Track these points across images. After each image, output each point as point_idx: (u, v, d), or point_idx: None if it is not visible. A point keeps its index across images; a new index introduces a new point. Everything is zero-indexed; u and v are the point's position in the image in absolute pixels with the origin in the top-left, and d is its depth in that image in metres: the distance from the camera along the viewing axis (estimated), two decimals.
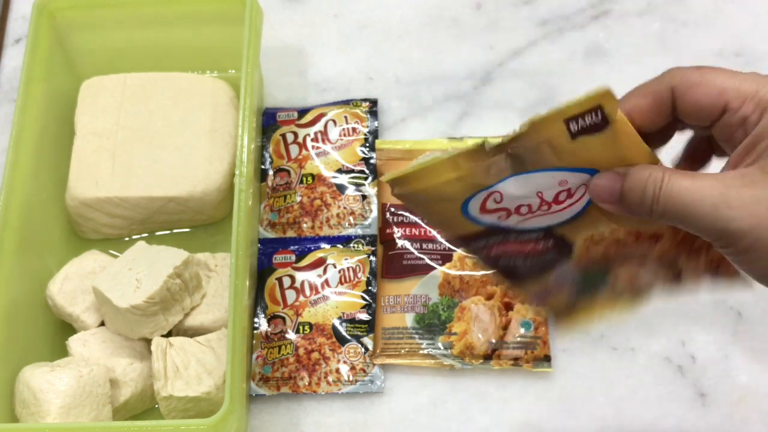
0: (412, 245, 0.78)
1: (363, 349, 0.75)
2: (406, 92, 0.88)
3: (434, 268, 0.76)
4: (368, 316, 0.76)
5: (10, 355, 0.70)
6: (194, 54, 0.85)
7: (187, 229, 0.82)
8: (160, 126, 0.80)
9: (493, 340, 0.72)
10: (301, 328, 0.75)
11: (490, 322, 0.72)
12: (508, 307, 0.74)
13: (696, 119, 0.45)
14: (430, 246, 0.77)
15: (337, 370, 0.74)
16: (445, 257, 0.77)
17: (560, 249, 0.50)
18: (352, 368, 0.74)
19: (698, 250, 0.50)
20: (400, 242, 0.78)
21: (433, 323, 0.74)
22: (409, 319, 0.75)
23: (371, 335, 0.75)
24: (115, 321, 0.71)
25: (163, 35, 0.83)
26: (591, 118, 0.43)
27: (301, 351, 0.74)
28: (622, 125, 0.44)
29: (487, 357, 0.72)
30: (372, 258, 0.78)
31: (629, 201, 0.44)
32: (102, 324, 0.74)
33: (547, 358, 0.73)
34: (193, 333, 0.73)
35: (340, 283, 0.77)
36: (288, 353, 0.74)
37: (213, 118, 0.80)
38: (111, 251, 0.79)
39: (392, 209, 0.79)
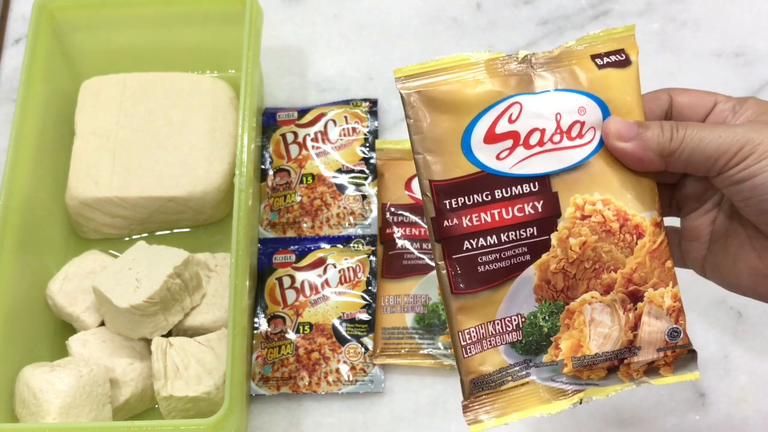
0: (412, 245, 0.78)
1: (363, 349, 0.75)
2: None
3: (434, 268, 0.76)
4: (368, 316, 0.76)
5: (10, 355, 0.70)
6: (194, 54, 0.85)
7: (187, 229, 0.82)
8: (160, 126, 0.80)
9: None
10: (301, 328, 0.75)
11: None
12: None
13: (690, 111, 0.51)
14: (431, 246, 0.77)
15: (337, 370, 0.74)
16: None
17: (544, 222, 0.48)
18: (352, 368, 0.74)
19: (666, 279, 0.49)
20: (400, 242, 0.78)
21: (433, 323, 0.74)
22: (409, 319, 0.75)
23: (371, 335, 0.75)
24: (115, 321, 0.71)
25: (162, 35, 0.84)
26: (615, 56, 0.49)
27: (301, 351, 0.75)
28: (636, 73, 0.49)
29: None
30: (372, 258, 0.78)
31: (647, 135, 0.48)
32: (102, 324, 0.74)
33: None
34: (193, 333, 0.73)
35: (340, 283, 0.77)
36: (288, 353, 0.75)
37: (213, 118, 0.80)
38: (111, 251, 0.80)
39: (392, 209, 0.79)
